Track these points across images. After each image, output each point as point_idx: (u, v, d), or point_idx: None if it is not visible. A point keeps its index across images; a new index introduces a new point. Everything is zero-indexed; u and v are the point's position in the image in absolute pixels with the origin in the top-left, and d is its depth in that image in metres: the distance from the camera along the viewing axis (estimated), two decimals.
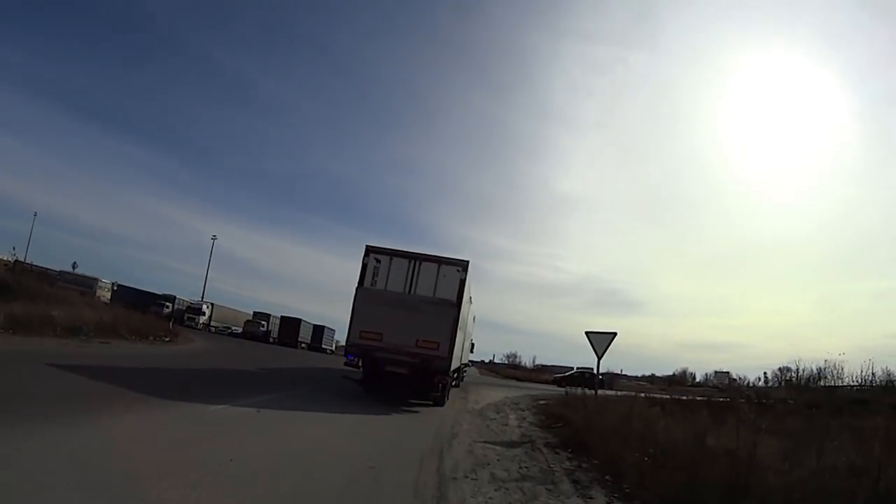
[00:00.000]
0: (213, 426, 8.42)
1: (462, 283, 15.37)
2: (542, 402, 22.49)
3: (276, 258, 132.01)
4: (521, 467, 8.36)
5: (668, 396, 26.94)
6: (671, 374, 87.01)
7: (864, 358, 59.45)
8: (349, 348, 15.67)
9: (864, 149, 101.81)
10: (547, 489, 7.12)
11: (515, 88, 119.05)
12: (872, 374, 36.32)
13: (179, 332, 32.82)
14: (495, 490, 6.73)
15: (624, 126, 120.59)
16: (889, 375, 36.18)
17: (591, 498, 6.90)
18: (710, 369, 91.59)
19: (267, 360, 27.81)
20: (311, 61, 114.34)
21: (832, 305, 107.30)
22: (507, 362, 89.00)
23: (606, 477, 7.99)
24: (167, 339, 26.73)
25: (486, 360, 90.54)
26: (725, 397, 29.70)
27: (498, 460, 8.68)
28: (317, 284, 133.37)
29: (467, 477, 7.25)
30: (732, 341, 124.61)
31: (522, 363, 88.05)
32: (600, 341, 14.78)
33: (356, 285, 15.51)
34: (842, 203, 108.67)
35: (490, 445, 10.09)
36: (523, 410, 18.46)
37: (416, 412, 14.37)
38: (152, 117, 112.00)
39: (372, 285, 15.42)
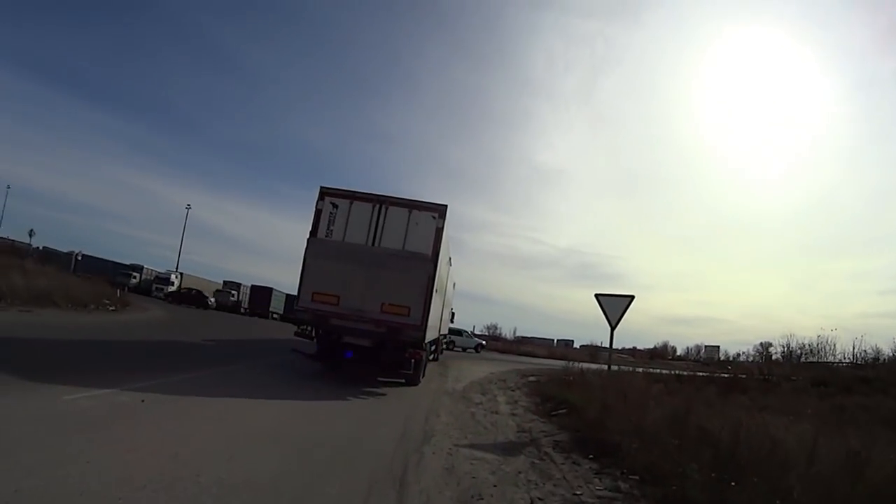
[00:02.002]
0: (46, 428, 5.23)
1: (439, 232, 12.31)
2: (531, 378, 19.73)
3: (252, 228, 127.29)
4: (533, 501, 5.23)
5: (666, 372, 24.52)
6: (652, 347, 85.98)
7: (841, 336, 58.36)
8: (299, 314, 12.53)
9: (847, 130, 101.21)
10: None
11: (495, 60, 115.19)
12: (865, 351, 34.79)
13: (131, 300, 29.38)
14: None
15: (602, 99, 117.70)
16: (878, 353, 34.74)
17: None
18: (690, 343, 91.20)
19: (223, 330, 24.77)
20: (291, 30, 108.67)
21: (810, 284, 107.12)
22: (487, 334, 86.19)
23: None
24: (112, 308, 23.57)
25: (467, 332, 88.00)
26: (727, 373, 27.44)
27: (495, 486, 5.49)
28: (294, 255, 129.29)
29: None
30: (709, 316, 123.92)
31: (503, 335, 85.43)
32: (613, 306, 11.61)
33: (308, 236, 12.37)
34: (824, 185, 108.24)
35: (479, 452, 6.93)
36: (513, 390, 15.52)
37: (382, 395, 11.30)
38: (127, 84, 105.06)
39: (327, 236, 12.35)
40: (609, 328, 11.57)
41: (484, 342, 49.73)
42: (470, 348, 44.75)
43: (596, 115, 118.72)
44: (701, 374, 26.15)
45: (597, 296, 11.73)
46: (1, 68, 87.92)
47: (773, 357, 44.62)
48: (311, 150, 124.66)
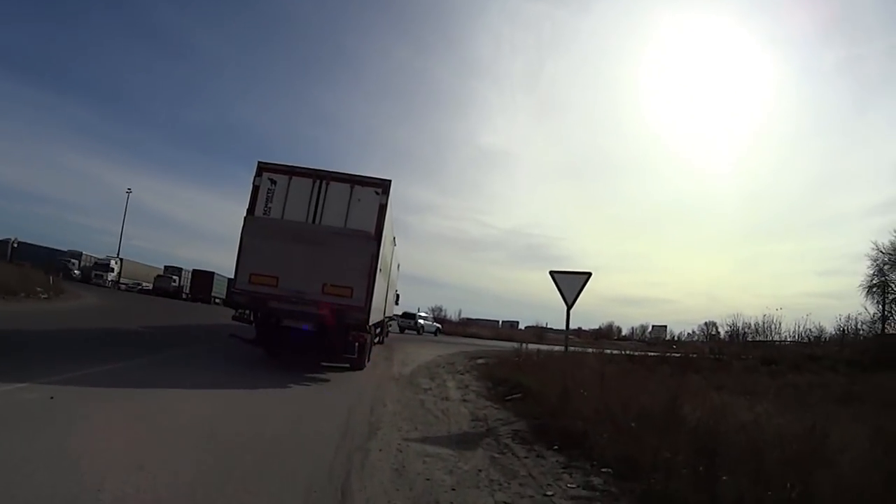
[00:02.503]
0: None
1: (382, 209, 11.58)
2: (480, 360, 19.05)
3: (200, 213, 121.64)
4: None
5: (617, 352, 24.44)
6: (597, 327, 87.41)
7: (785, 315, 60.67)
8: (235, 296, 11.75)
9: (790, 120, 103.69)
10: None
11: (441, 43, 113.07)
12: (810, 330, 35.83)
13: (66, 288, 27.80)
14: None
15: (548, 84, 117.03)
16: (822, 331, 35.87)
17: None
18: (634, 323, 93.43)
19: (161, 317, 23.33)
20: (239, 15, 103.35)
21: (753, 265, 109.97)
22: (432, 316, 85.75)
23: None
24: (45, 296, 22.40)
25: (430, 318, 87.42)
26: (677, 353, 27.69)
27: (454, 489, 4.68)
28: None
29: None
30: (654, 296, 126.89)
31: (448, 317, 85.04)
32: (570, 284, 10.95)
33: (245, 214, 11.47)
34: (767, 171, 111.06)
35: (432, 447, 6.09)
36: (462, 374, 14.81)
37: (325, 381, 10.46)
38: (69, 65, 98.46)
39: (265, 213, 11.47)
40: (565, 307, 10.92)
41: (440, 325, 54.00)
42: (430, 332, 47.60)
43: (542, 98, 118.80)
44: (652, 353, 26.26)
45: (552, 273, 11.04)
46: None
47: (720, 336, 45.77)
48: (259, 133, 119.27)
